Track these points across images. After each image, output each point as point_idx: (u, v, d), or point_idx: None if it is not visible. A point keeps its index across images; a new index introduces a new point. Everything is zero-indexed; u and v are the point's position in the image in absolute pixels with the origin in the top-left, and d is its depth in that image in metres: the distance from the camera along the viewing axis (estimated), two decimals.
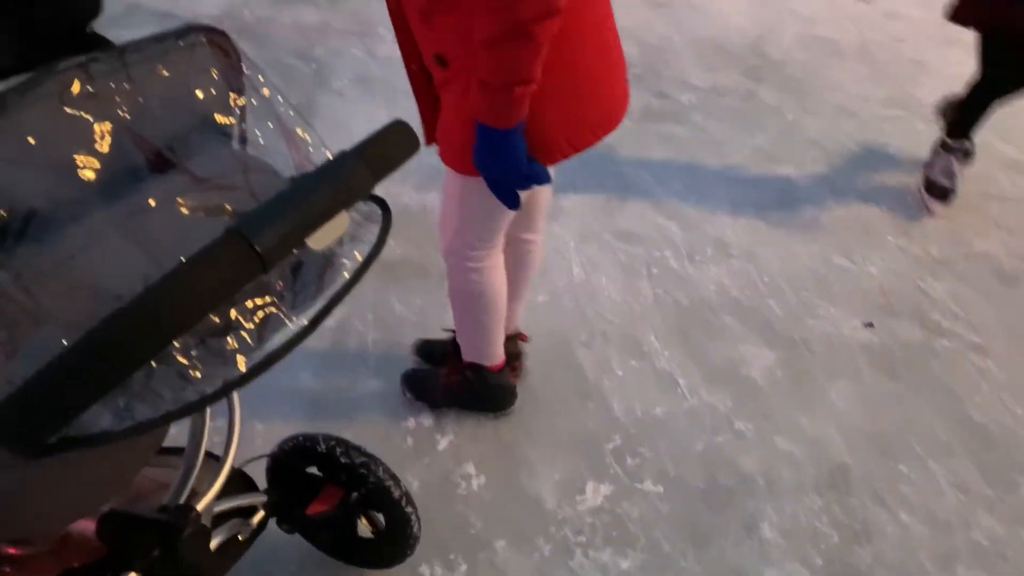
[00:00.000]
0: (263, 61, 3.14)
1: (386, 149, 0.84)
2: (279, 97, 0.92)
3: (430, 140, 1.45)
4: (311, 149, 0.94)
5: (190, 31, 0.83)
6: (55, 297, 0.67)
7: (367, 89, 3.30)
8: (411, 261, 2.38)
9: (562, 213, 2.59)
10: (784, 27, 4.08)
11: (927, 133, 2.98)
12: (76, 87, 0.70)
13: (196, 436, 1.09)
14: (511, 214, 1.50)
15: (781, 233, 2.58)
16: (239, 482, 1.30)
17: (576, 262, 2.40)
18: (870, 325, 2.23)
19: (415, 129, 0.92)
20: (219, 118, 0.85)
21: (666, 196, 2.73)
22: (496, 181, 1.29)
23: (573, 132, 1.33)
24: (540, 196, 1.66)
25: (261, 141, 0.87)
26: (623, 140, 2.99)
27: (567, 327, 2.17)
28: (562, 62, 1.22)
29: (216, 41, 0.87)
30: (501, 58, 1.13)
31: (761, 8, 4.28)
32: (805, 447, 1.89)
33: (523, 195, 1.34)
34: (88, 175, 0.70)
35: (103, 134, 0.72)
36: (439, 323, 2.06)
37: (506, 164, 1.25)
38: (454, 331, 1.83)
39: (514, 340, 1.93)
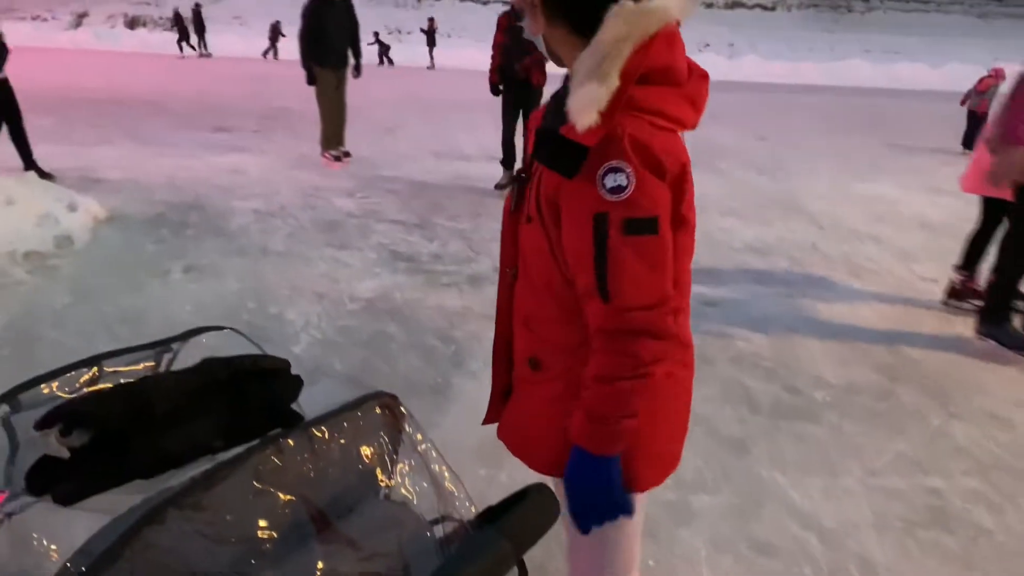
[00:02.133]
0: (407, 342, 3.37)
1: (528, 521, 0.89)
2: (433, 453, 1.01)
3: (491, 420, 1.45)
4: (456, 502, 1.00)
5: (367, 399, 0.95)
6: None
7: None
8: (532, 560, 2.33)
9: (692, 516, 2.50)
10: (918, 323, 4.05)
11: None
12: (268, 463, 0.81)
13: None
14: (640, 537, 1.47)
15: (935, 557, 2.36)
16: None
17: (708, 575, 2.27)
18: None
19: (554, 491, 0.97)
20: (380, 477, 0.94)
21: (803, 503, 2.60)
22: (583, 506, 1.22)
23: (668, 463, 1.37)
24: None
25: (415, 500, 0.94)
26: (755, 437, 2.95)
27: None
28: (669, 404, 1.29)
29: (387, 404, 0.98)
30: (615, 394, 1.14)
31: (890, 303, 4.31)
32: None
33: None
34: (266, 546, 0.78)
35: (285, 505, 0.81)
36: None
37: (598, 491, 1.19)
38: None
39: None
